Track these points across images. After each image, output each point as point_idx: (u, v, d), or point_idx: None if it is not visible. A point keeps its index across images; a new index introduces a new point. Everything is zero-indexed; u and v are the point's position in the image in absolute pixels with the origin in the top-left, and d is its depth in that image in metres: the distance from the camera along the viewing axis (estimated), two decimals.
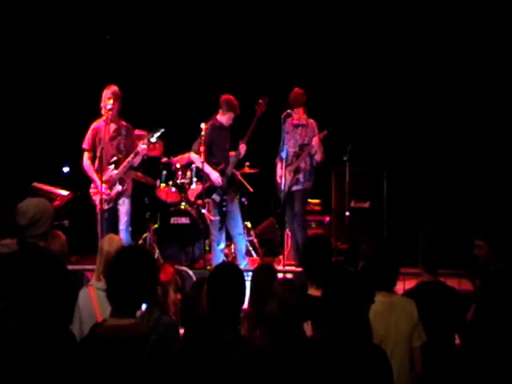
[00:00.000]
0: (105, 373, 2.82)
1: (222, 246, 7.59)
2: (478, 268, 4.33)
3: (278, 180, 7.53)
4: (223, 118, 7.51)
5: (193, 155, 7.61)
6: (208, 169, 7.46)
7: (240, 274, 3.33)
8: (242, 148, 7.47)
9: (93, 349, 2.87)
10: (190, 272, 6.56)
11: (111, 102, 6.92)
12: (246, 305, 3.94)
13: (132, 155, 7.03)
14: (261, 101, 7.44)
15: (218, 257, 7.53)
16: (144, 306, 4.13)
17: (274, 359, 3.14)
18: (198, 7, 9.34)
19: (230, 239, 8.39)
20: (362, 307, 2.99)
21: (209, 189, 7.55)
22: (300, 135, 7.52)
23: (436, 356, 3.91)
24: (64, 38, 9.05)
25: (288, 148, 7.47)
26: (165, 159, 8.24)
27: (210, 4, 9.32)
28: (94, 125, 7.15)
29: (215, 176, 7.45)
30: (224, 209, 7.46)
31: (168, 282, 4.07)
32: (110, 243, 4.31)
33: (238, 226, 7.64)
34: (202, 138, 8.03)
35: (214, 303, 3.14)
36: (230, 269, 3.40)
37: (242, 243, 7.70)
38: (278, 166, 7.58)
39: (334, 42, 9.12)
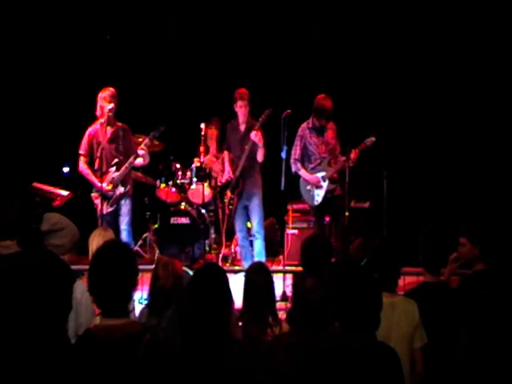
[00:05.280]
0: (100, 373, 2.81)
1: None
2: (462, 266, 4.33)
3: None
4: (237, 112, 7.44)
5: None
6: (226, 164, 7.68)
7: (222, 273, 3.24)
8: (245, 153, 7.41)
9: (87, 349, 2.86)
10: (190, 272, 6.54)
11: (111, 105, 6.87)
12: (240, 305, 3.95)
13: (133, 157, 7.00)
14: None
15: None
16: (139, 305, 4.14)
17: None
18: (199, 8, 9.34)
19: (230, 239, 8.40)
20: (376, 306, 2.97)
21: (226, 184, 7.72)
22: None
23: (437, 357, 3.90)
24: (64, 38, 9.05)
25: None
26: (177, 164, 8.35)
27: (210, 5, 9.32)
28: (89, 130, 7.07)
29: (225, 173, 7.67)
30: (230, 206, 7.55)
31: (181, 276, 4.11)
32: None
33: (253, 226, 7.57)
34: (202, 137, 8.10)
35: (200, 305, 3.09)
36: (211, 270, 3.29)
37: (257, 244, 7.54)
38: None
39: (333, 41, 9.14)
